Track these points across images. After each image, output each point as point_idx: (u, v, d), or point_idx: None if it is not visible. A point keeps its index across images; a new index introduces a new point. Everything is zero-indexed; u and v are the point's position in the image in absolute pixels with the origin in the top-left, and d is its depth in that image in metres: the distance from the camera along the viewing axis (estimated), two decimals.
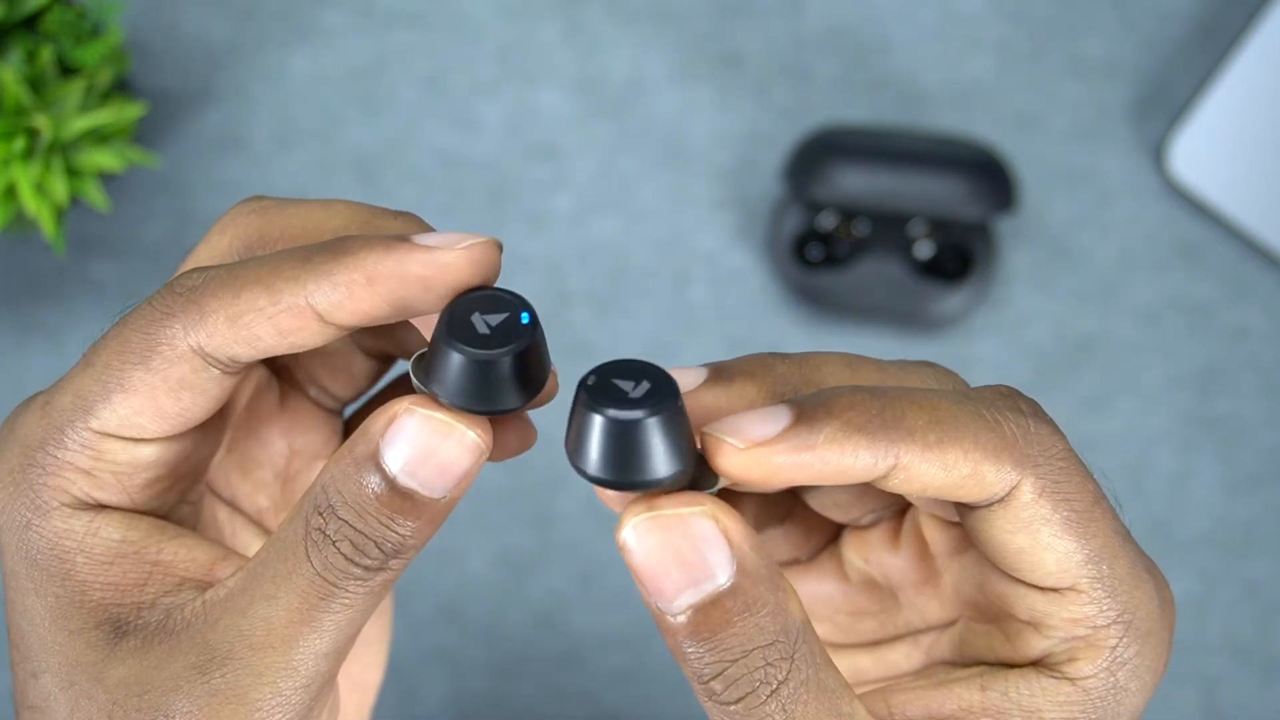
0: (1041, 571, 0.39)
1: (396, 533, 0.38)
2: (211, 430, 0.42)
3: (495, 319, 0.38)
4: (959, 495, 0.38)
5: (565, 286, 0.76)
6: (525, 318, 0.38)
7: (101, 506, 0.40)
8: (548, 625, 0.75)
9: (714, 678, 0.37)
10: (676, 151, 0.76)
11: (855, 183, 0.72)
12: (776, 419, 0.37)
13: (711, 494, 0.37)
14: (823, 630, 0.45)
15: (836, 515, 0.44)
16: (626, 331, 0.76)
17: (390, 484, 0.38)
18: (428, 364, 0.38)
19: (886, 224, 0.74)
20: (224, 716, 0.38)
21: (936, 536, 0.43)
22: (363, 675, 0.48)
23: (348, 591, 0.38)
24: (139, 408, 0.39)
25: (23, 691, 0.40)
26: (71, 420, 0.39)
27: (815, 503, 0.44)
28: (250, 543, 0.45)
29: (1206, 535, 0.75)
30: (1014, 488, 0.38)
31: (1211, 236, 0.75)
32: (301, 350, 0.39)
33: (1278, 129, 0.74)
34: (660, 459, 0.37)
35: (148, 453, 0.40)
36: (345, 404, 0.46)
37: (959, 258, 0.75)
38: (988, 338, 0.75)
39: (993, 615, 0.41)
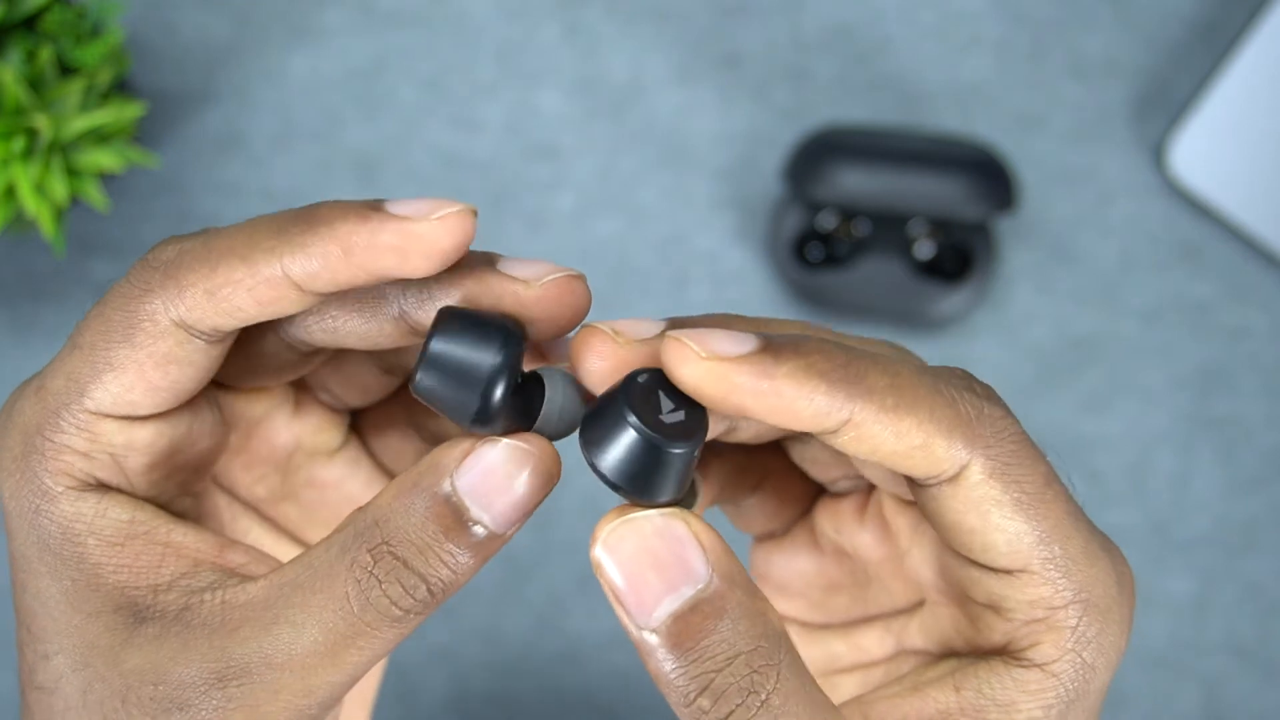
0: (993, 553, 0.39)
1: (453, 570, 0.38)
2: (210, 424, 0.42)
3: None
4: (906, 466, 0.38)
5: None
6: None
7: (105, 487, 0.40)
8: (547, 625, 0.75)
9: (700, 693, 0.36)
10: (676, 151, 0.76)
11: (855, 183, 0.72)
12: (743, 343, 0.37)
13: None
14: (797, 608, 0.45)
15: (816, 473, 0.44)
16: None
17: (460, 519, 0.37)
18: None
19: (886, 224, 0.74)
20: None
21: (896, 517, 0.43)
22: (363, 685, 0.48)
23: (379, 636, 0.38)
24: (129, 384, 0.39)
25: (31, 673, 0.40)
26: (66, 403, 0.39)
27: (797, 455, 0.44)
28: (249, 528, 0.45)
29: (1206, 535, 0.75)
30: (964, 467, 0.38)
31: (1211, 236, 0.75)
32: (283, 316, 0.39)
33: (1278, 129, 0.74)
34: (672, 485, 0.37)
35: (143, 434, 0.40)
36: (355, 410, 0.46)
37: (959, 258, 0.75)
38: (988, 338, 0.75)
39: (954, 598, 0.41)
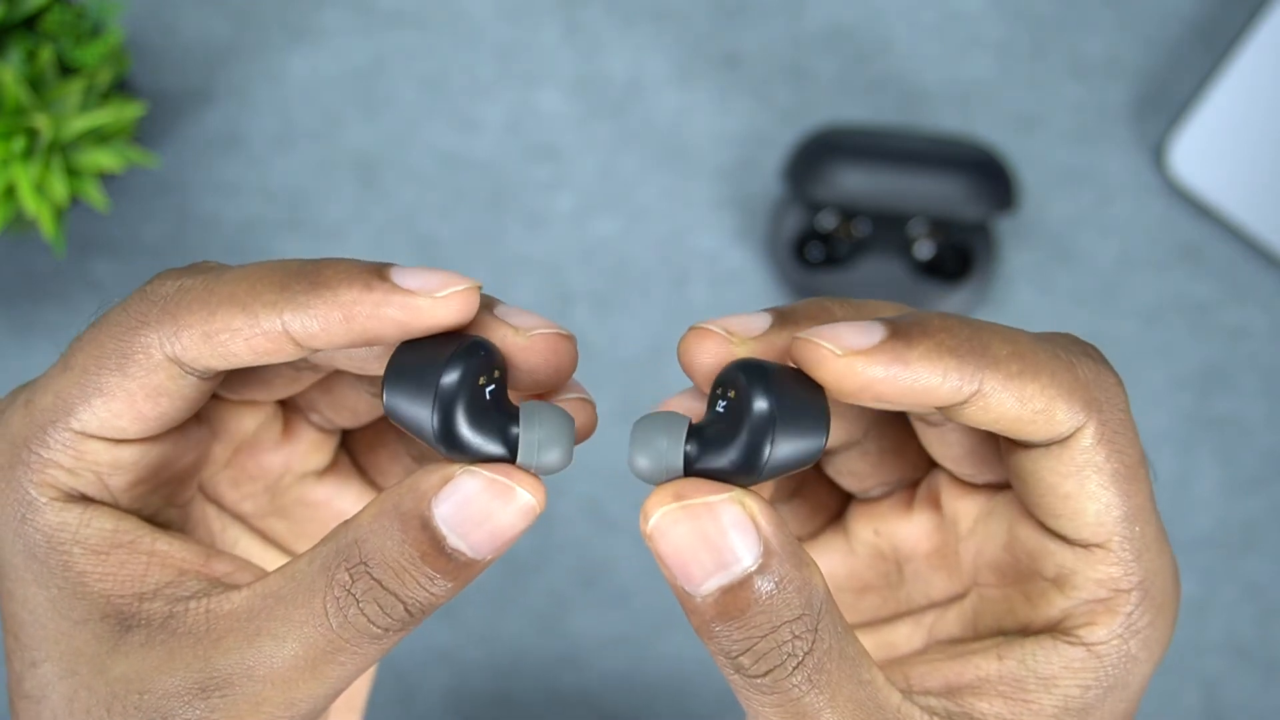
0: (1080, 521, 0.39)
1: (430, 593, 0.38)
2: (196, 439, 0.42)
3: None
4: (1027, 431, 0.38)
5: (565, 286, 0.76)
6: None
7: (90, 500, 0.40)
8: (548, 625, 0.75)
9: (742, 654, 0.37)
10: (676, 151, 0.76)
11: (855, 183, 0.72)
12: (872, 332, 0.38)
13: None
14: None
15: (851, 484, 0.44)
16: (626, 331, 0.76)
17: (437, 545, 0.37)
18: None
19: (886, 224, 0.74)
20: None
21: (956, 502, 0.43)
22: (352, 690, 0.48)
23: (359, 651, 0.38)
24: (118, 411, 0.39)
25: (18, 681, 0.40)
26: (53, 420, 0.40)
27: (832, 469, 0.44)
28: (237, 539, 0.45)
29: (1206, 535, 0.75)
30: (1078, 429, 0.39)
31: (1211, 236, 0.75)
32: (277, 363, 0.40)
33: (1278, 129, 0.74)
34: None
35: (129, 454, 0.40)
36: (344, 429, 0.46)
37: (959, 258, 0.74)
38: None
39: (1015, 576, 0.41)
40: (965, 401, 0.38)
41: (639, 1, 0.76)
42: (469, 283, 0.38)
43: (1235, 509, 0.75)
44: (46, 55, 0.68)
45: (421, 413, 0.37)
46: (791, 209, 0.74)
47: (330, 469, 0.46)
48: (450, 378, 0.37)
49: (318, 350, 0.39)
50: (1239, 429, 0.75)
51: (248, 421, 0.44)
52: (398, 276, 0.38)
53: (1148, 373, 0.75)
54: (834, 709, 0.37)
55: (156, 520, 0.42)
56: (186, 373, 0.39)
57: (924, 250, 0.75)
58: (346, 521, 0.38)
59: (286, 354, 0.39)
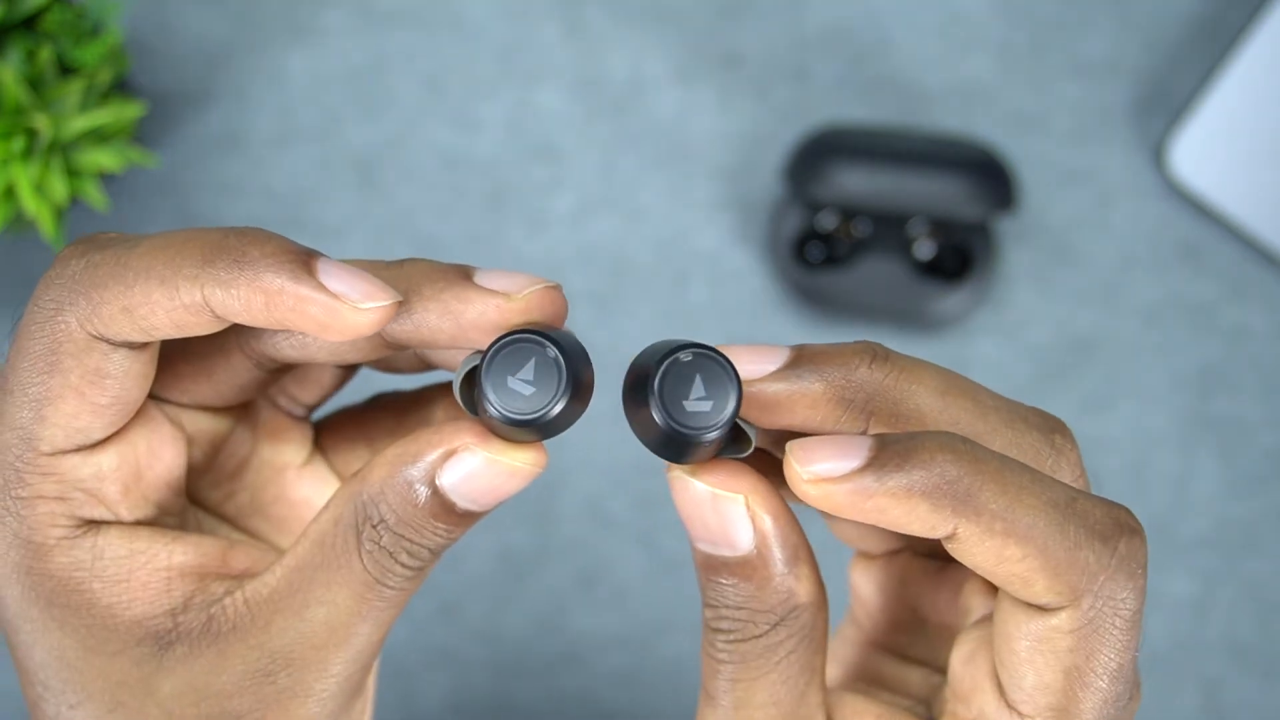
0: (1015, 683, 0.38)
1: (447, 538, 0.39)
2: (169, 435, 0.42)
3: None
4: (1002, 585, 0.37)
5: (565, 286, 0.76)
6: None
7: (96, 524, 0.40)
8: (548, 625, 0.75)
9: (711, 605, 0.39)
10: (676, 151, 0.76)
11: (855, 182, 0.72)
12: (852, 455, 0.36)
13: (747, 456, 0.39)
14: (865, 625, 0.45)
15: (849, 542, 0.44)
16: (626, 331, 0.76)
17: (446, 507, 0.39)
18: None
19: (886, 224, 0.74)
20: (292, 710, 0.39)
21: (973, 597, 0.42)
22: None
23: (397, 588, 0.40)
24: (72, 411, 0.39)
25: None
26: (20, 455, 0.39)
27: (831, 524, 0.44)
28: (229, 534, 0.45)
29: (1206, 535, 0.75)
30: (1059, 609, 0.37)
31: (1211, 236, 0.75)
32: (201, 334, 0.39)
33: (1278, 129, 0.74)
34: (708, 453, 0.38)
35: (107, 460, 0.40)
36: (312, 409, 0.46)
37: (959, 258, 0.74)
38: (988, 338, 0.75)
39: (967, 687, 0.41)
40: (945, 539, 0.36)
41: (639, 1, 0.76)
42: (392, 297, 0.38)
43: (1235, 509, 0.75)
44: (46, 55, 0.68)
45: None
46: (791, 209, 0.74)
47: (307, 465, 0.46)
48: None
49: (238, 324, 0.39)
50: (1239, 429, 0.75)
51: (220, 424, 0.44)
52: (324, 275, 0.38)
53: (1148, 373, 0.75)
54: (748, 694, 0.39)
55: (163, 526, 0.42)
56: (116, 347, 0.38)
57: (924, 250, 0.75)
58: (351, 483, 0.39)
59: (209, 325, 0.38)
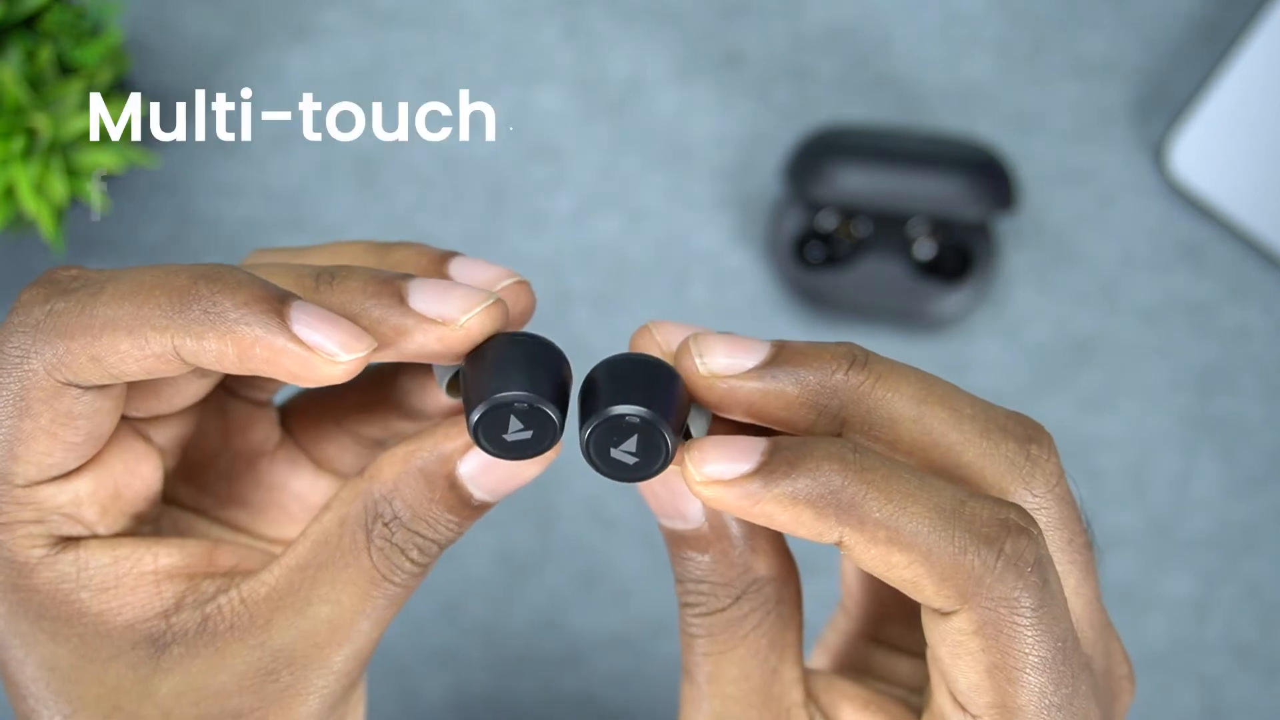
0: (955, 686, 0.38)
1: (458, 531, 0.40)
2: (141, 451, 0.42)
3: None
4: (899, 589, 0.37)
5: (565, 286, 0.76)
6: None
7: (74, 540, 0.40)
8: (548, 625, 0.75)
9: (680, 584, 0.41)
10: (676, 151, 0.76)
11: (855, 182, 0.72)
12: (744, 459, 0.37)
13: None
14: (854, 616, 0.45)
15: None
16: (626, 331, 0.76)
17: (463, 499, 0.40)
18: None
19: (886, 224, 0.74)
20: (293, 707, 0.39)
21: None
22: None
23: (402, 585, 0.40)
24: (46, 450, 0.38)
25: None
26: None
27: None
28: (208, 530, 0.45)
29: (1207, 535, 0.75)
30: (952, 613, 0.37)
31: (1211, 236, 0.75)
32: (172, 375, 0.39)
33: (1278, 129, 0.74)
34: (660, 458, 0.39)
35: (84, 485, 0.40)
36: (273, 394, 0.46)
37: (959, 258, 0.74)
38: (988, 338, 0.75)
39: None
40: (835, 544, 0.37)
41: (639, 1, 0.76)
42: (368, 346, 0.37)
43: (1235, 509, 0.75)
44: (46, 55, 0.68)
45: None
46: (791, 209, 0.74)
47: (279, 450, 0.45)
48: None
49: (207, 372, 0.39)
50: (1239, 429, 0.75)
51: (184, 423, 0.43)
52: (298, 324, 0.37)
53: (1148, 373, 0.75)
54: (719, 669, 0.40)
55: (143, 534, 0.42)
56: (85, 390, 0.38)
57: (924, 250, 0.75)
58: (357, 482, 0.40)
59: (180, 370, 0.38)
